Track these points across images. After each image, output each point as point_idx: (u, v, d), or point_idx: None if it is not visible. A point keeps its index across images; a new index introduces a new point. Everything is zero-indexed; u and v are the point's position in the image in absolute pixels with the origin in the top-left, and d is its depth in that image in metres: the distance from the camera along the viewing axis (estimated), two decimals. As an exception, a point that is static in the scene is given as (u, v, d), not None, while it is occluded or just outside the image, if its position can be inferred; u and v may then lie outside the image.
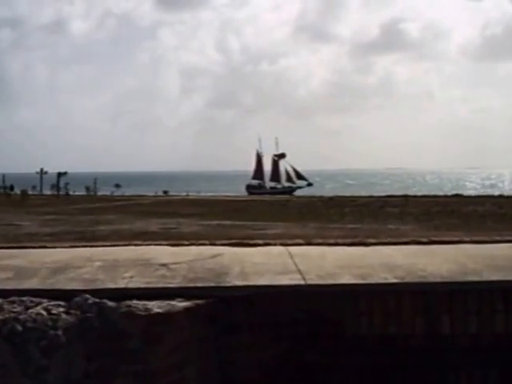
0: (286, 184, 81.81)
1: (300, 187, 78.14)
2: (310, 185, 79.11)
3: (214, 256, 5.94)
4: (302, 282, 5.01)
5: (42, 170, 51.23)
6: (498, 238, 7.00)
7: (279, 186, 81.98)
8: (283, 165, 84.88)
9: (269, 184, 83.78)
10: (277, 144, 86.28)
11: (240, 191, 69.97)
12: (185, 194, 49.83)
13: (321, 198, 45.44)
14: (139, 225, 25.52)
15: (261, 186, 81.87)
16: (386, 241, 6.79)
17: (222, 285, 4.97)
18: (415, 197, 45.57)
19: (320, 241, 6.79)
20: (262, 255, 6.04)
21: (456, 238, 6.99)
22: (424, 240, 6.83)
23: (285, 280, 5.07)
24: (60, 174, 49.03)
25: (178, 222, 26.97)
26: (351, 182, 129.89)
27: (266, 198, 44.04)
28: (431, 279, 5.07)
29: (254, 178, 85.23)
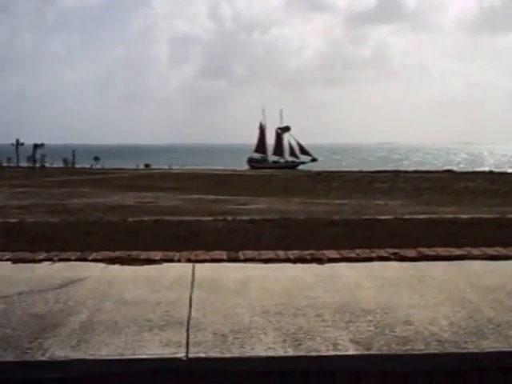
0: (290, 158, 78.00)
1: (304, 162, 74.26)
2: (314, 160, 74.96)
3: (65, 284, 3.63)
4: (181, 354, 2.70)
5: (17, 141, 48.68)
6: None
7: (282, 161, 77.98)
8: (287, 138, 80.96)
9: (271, 158, 79.99)
10: (281, 116, 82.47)
11: (235, 164, 67.56)
12: (167, 167, 47.62)
13: (307, 173, 43.46)
14: (115, 198, 23.43)
15: (263, 160, 78.36)
16: (352, 255, 4.46)
17: (25, 359, 2.66)
18: (405, 172, 44.08)
19: (250, 255, 4.46)
20: (146, 281, 3.73)
21: (458, 251, 4.68)
22: (411, 255, 4.52)
23: (151, 346, 2.77)
24: (36, 146, 46.59)
25: (157, 195, 24.93)
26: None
27: (251, 172, 41.85)
28: (418, 346, 2.77)
29: (257, 151, 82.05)
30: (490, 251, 4.68)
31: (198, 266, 4.15)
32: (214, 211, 17.15)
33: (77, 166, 47.61)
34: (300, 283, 3.74)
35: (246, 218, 15.21)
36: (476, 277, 3.92)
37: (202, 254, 4.47)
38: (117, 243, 10.15)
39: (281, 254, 4.50)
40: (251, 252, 4.51)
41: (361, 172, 43.78)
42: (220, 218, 14.82)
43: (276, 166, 71.54)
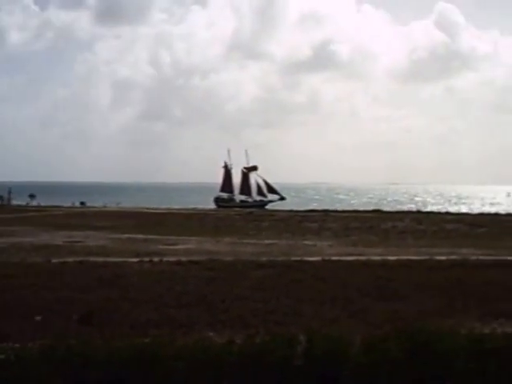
0: (258, 198, 78.95)
1: (272, 201, 76.16)
2: (282, 199, 76.67)
3: None
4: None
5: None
6: None
7: (250, 200, 78.99)
8: (254, 178, 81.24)
9: (239, 197, 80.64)
10: (247, 156, 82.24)
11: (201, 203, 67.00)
12: (102, 205, 48.25)
13: (239, 212, 44.42)
14: (43, 237, 23.74)
15: (231, 199, 79.19)
16: None
17: None
18: (335, 211, 45.67)
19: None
20: None
21: None
22: None
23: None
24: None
25: (87, 234, 25.44)
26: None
27: (184, 211, 42.75)
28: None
29: (223, 190, 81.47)
30: None
31: None
32: (142, 252, 17.24)
33: (14, 203, 47.70)
34: None
35: (173, 259, 15.69)
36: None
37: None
38: (38, 287, 10.51)
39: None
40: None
41: (291, 211, 44.92)
42: (146, 259, 15.37)
43: (244, 205, 72.51)
